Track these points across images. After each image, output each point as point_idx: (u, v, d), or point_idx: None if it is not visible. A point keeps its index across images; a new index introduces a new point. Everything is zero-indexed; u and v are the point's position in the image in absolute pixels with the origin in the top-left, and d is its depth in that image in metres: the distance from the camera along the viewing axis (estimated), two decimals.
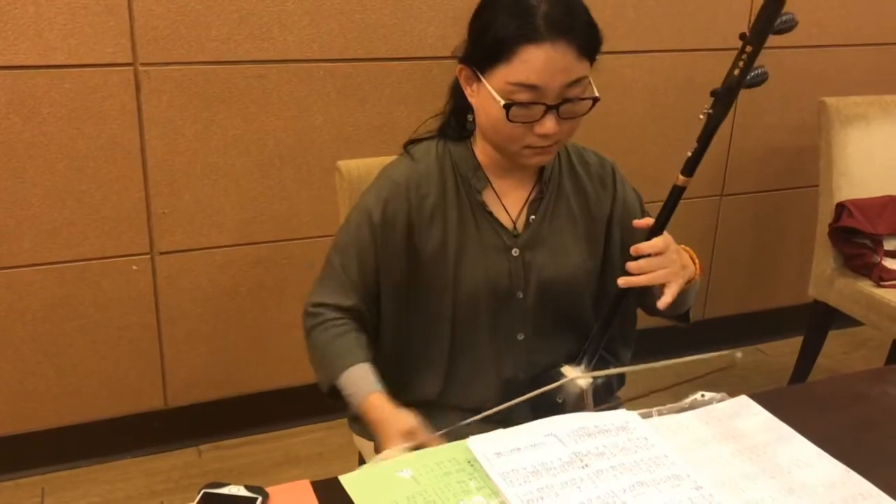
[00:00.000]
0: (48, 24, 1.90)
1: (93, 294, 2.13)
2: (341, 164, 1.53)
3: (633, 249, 1.22)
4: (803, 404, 1.23)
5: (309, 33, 2.12)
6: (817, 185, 2.43)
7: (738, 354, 1.26)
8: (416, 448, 1.12)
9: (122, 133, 2.04)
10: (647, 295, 1.36)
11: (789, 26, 1.17)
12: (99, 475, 2.22)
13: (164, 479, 2.22)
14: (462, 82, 1.27)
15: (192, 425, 2.34)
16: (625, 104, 2.51)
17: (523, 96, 1.18)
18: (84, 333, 2.16)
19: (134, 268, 2.15)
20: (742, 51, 1.16)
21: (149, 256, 2.16)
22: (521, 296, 1.33)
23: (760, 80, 1.19)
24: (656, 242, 1.22)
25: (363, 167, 1.51)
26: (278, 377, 2.40)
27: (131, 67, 2.00)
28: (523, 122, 1.20)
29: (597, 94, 1.23)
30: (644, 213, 1.40)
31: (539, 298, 1.34)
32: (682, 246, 1.29)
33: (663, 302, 1.21)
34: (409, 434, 1.15)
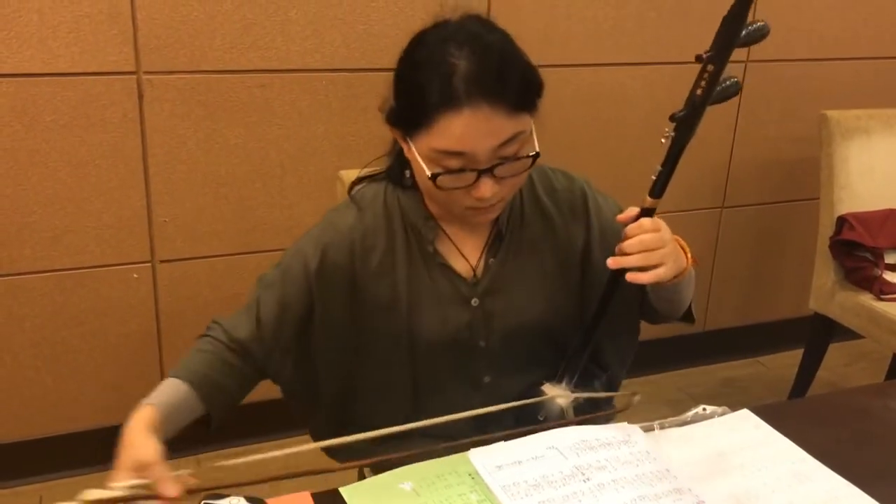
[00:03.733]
0: (52, 32, 1.91)
1: (93, 302, 2.13)
2: (343, 173, 1.53)
3: (625, 228, 1.11)
4: (804, 418, 1.22)
5: (312, 43, 2.13)
6: (818, 198, 2.43)
7: (637, 397, 1.20)
8: (144, 488, 0.97)
9: (124, 141, 2.04)
10: (646, 301, 1.29)
11: (760, 35, 1.08)
12: (97, 484, 2.20)
13: None
14: (398, 138, 1.17)
15: (192, 434, 2.33)
16: (624, 115, 2.51)
17: (451, 163, 1.07)
18: (84, 341, 2.15)
19: (134, 276, 2.15)
20: (703, 70, 1.09)
21: (149, 264, 2.15)
22: (483, 344, 1.25)
23: (731, 92, 1.11)
24: (644, 222, 1.10)
25: None
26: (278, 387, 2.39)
27: (134, 76, 2.00)
28: (455, 188, 1.09)
29: (536, 150, 1.11)
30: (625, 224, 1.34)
31: (503, 344, 1.26)
32: (675, 237, 1.18)
33: (637, 277, 1.08)
34: (140, 467, 0.98)
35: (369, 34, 2.17)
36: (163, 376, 2.25)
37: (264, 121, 2.15)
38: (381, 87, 2.19)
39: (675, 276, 1.13)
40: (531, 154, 1.11)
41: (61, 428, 2.20)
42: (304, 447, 1.06)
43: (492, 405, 1.20)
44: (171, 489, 0.96)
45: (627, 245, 1.10)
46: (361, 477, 1.51)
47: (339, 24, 2.14)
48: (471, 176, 1.08)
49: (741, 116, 2.66)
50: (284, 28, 2.09)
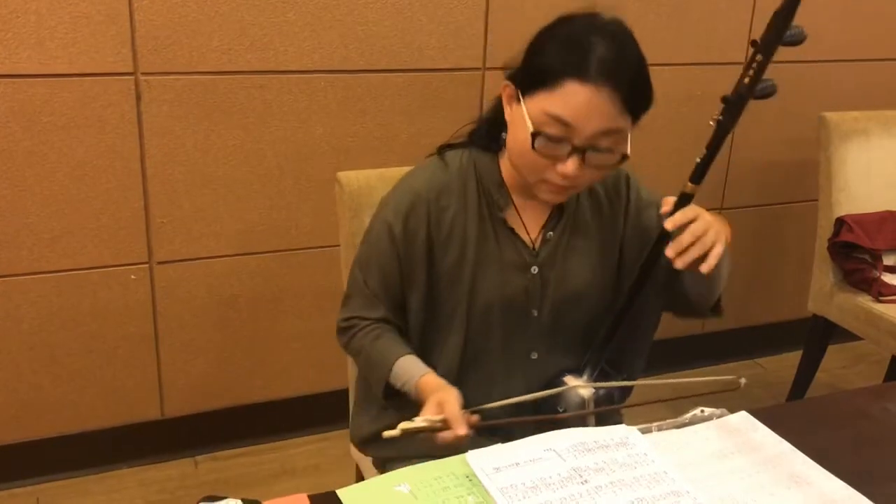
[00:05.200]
0: (49, 32, 1.90)
1: (90, 303, 2.12)
2: (341, 175, 1.53)
3: (669, 223, 1.16)
4: (803, 420, 1.22)
5: (310, 44, 2.13)
6: (816, 200, 2.43)
7: (743, 380, 1.24)
8: (441, 423, 1.14)
9: (122, 142, 2.04)
10: (678, 290, 1.32)
11: (798, 39, 1.16)
12: (94, 485, 2.21)
13: (160, 489, 2.21)
14: (504, 99, 1.26)
15: (189, 436, 2.33)
16: None
17: (554, 130, 1.16)
18: (81, 342, 2.15)
19: (132, 277, 2.14)
20: (752, 59, 1.16)
21: (147, 266, 2.15)
22: (535, 314, 1.32)
23: (769, 92, 1.19)
24: (687, 211, 1.16)
25: (363, 178, 1.51)
26: (276, 388, 2.39)
27: (132, 77, 2.00)
28: (546, 156, 1.18)
29: (628, 151, 1.20)
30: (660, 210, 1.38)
31: (554, 316, 1.33)
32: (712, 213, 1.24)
33: (708, 265, 1.14)
34: (439, 404, 1.16)
35: (367, 35, 2.17)
36: (160, 378, 2.26)
37: (262, 122, 2.14)
38: (379, 87, 2.22)
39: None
40: (622, 153, 1.20)
41: (58, 429, 2.20)
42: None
43: (531, 388, 1.32)
44: (462, 427, 1.14)
45: (684, 239, 1.14)
46: (359, 479, 1.51)
47: (338, 25, 2.14)
48: (564, 149, 1.17)
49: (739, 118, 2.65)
50: (282, 29, 2.09)
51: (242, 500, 0.98)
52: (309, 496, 1.00)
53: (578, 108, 1.14)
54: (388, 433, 1.15)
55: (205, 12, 2.01)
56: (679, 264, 1.14)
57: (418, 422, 1.15)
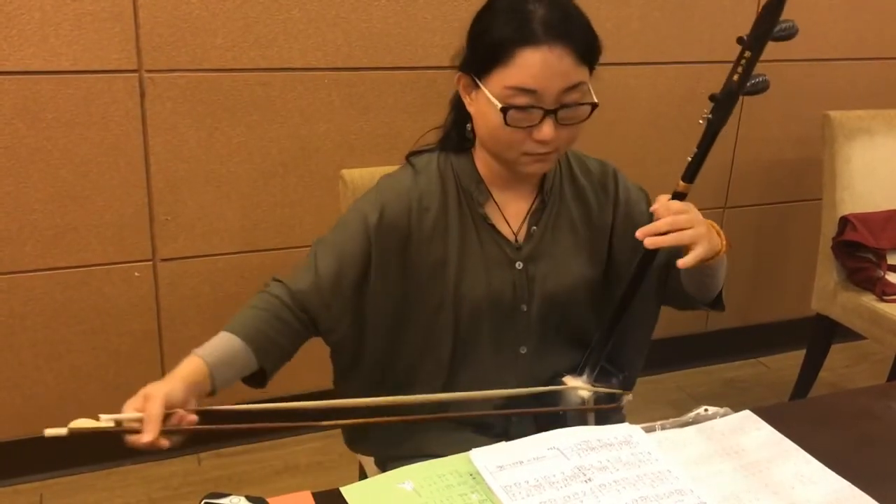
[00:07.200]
0: (54, 29, 1.90)
1: (94, 300, 2.13)
2: (345, 172, 1.53)
3: (654, 210, 1.17)
4: (807, 419, 1.22)
5: (314, 42, 2.13)
6: (820, 199, 2.42)
7: (629, 397, 1.29)
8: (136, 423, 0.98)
9: (126, 139, 2.04)
10: (674, 285, 1.32)
11: (789, 34, 1.15)
12: (97, 482, 2.22)
13: (163, 486, 2.21)
14: (461, 91, 1.26)
15: (193, 434, 2.33)
16: (628, 115, 2.51)
17: (521, 100, 1.16)
18: (85, 339, 2.15)
19: (136, 274, 2.15)
20: (741, 56, 1.15)
21: (151, 263, 2.15)
22: (524, 309, 1.32)
23: (761, 87, 1.18)
24: (672, 203, 1.17)
25: (367, 175, 1.51)
26: (278, 385, 2.38)
27: (136, 74, 2.00)
28: (521, 128, 1.18)
29: (595, 100, 1.21)
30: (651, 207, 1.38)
31: (542, 311, 1.32)
32: (709, 221, 1.25)
33: (685, 262, 1.14)
34: (144, 399, 1.03)
35: (371, 33, 2.17)
36: (164, 374, 2.26)
37: (266, 119, 2.14)
38: (383, 85, 2.22)
39: (711, 257, 1.19)
40: (591, 103, 1.20)
41: (62, 426, 2.20)
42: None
43: (521, 383, 1.32)
44: (148, 434, 1.00)
45: (660, 224, 1.15)
46: (362, 476, 1.51)
47: (342, 22, 2.13)
48: (536, 115, 1.17)
49: (743, 116, 2.65)
50: (286, 26, 2.09)
51: (246, 497, 0.98)
52: (313, 493, 1.00)
53: (537, 72, 1.15)
54: (50, 431, 0.98)
55: (209, 9, 2.01)
56: (648, 244, 1.15)
57: (104, 420, 0.97)
